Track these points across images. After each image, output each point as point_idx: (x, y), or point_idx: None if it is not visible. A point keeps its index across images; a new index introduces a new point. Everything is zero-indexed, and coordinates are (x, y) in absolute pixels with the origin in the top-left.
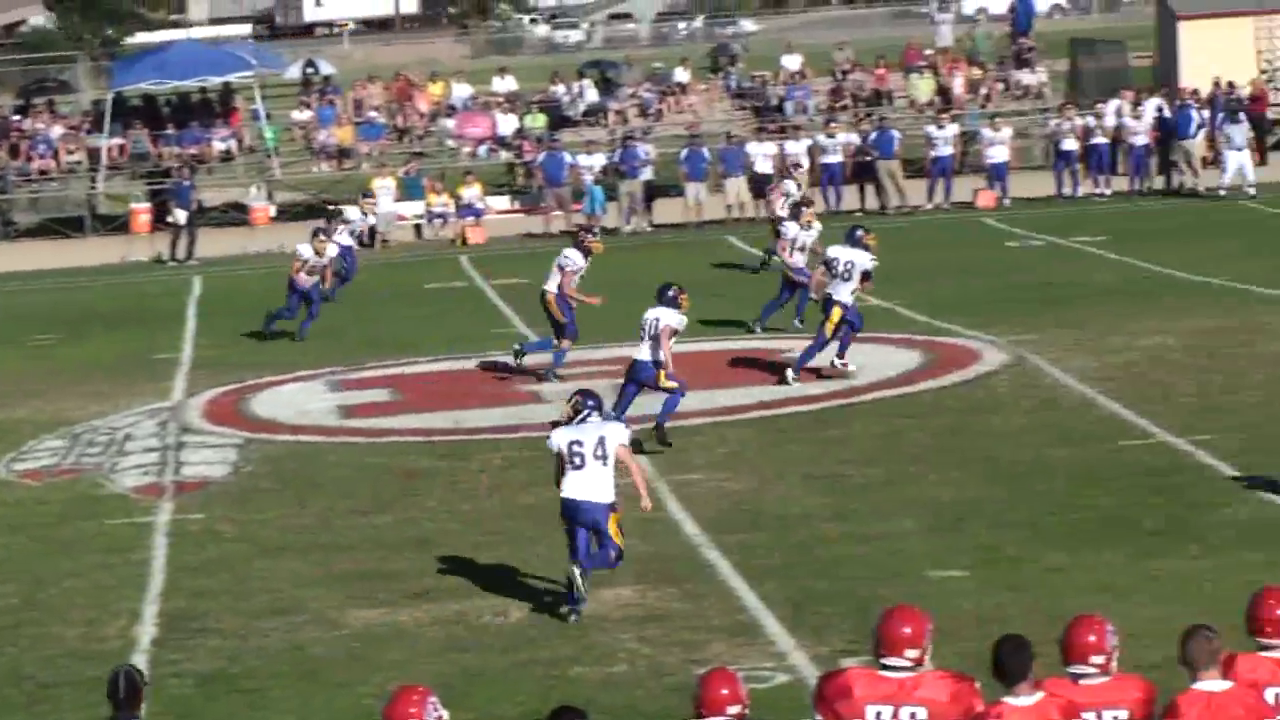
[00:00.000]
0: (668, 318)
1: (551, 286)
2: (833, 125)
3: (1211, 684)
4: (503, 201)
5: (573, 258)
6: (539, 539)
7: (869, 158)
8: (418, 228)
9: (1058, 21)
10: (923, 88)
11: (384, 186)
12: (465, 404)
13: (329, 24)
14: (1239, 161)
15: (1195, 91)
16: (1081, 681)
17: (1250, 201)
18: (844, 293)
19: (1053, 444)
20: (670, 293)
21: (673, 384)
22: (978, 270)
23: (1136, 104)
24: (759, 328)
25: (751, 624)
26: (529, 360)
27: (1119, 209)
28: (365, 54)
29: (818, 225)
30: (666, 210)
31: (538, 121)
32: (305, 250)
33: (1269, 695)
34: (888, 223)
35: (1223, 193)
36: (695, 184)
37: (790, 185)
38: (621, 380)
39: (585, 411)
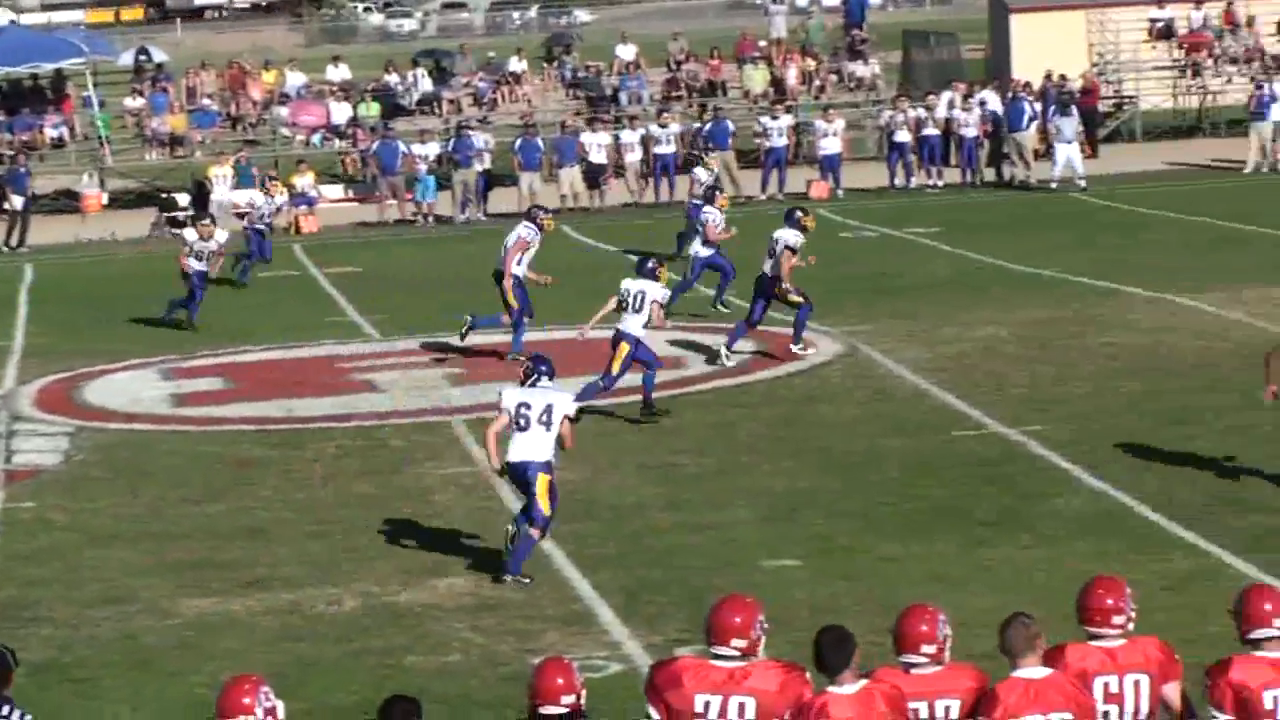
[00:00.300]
0: (653, 291)
1: (512, 268)
2: (665, 116)
3: (1031, 671)
4: (336, 190)
5: (528, 229)
6: (372, 527)
7: (694, 152)
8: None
9: (891, 13)
10: (757, 79)
11: (221, 175)
12: (298, 393)
13: (219, 7)
14: (1069, 154)
15: (1027, 84)
16: (913, 671)
17: (1081, 194)
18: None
19: (886, 434)
20: (649, 265)
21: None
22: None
23: (968, 96)
24: (719, 307)
25: (585, 613)
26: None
27: (951, 201)
28: (198, 41)
29: (724, 211)
30: (501, 200)
31: (371, 110)
32: (190, 235)
33: (1098, 685)
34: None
35: (1054, 185)
36: (529, 174)
37: (701, 172)
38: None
39: (536, 376)
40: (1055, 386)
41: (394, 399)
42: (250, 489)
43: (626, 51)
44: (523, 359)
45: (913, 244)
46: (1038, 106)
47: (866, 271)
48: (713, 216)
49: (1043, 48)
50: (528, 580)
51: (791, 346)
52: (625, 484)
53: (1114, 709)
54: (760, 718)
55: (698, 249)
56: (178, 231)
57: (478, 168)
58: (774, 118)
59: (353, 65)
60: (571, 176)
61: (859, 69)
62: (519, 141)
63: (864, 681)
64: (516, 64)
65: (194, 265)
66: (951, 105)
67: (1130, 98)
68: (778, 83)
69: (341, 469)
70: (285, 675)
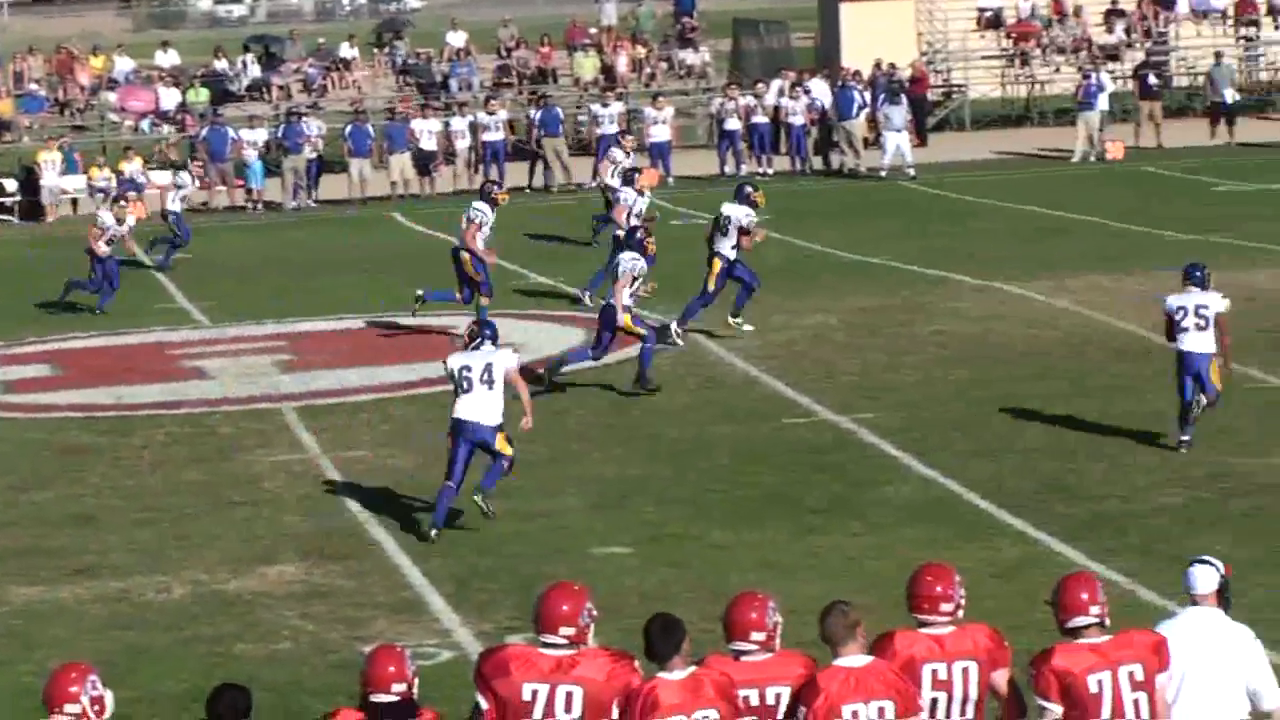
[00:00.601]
0: (627, 262)
1: (471, 244)
2: (493, 103)
3: (852, 660)
4: (164, 176)
5: (482, 210)
6: (202, 515)
7: (524, 143)
8: (75, 202)
9: (721, 1)
10: (587, 66)
11: (50, 160)
12: (127, 380)
13: None
14: (898, 142)
15: (856, 73)
16: (743, 658)
17: (909, 182)
18: (725, 246)
19: (716, 422)
20: (638, 236)
21: (641, 329)
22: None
23: (796, 84)
24: (588, 297)
25: (416, 601)
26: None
27: (781, 189)
28: (25, 26)
29: (649, 194)
30: (331, 187)
31: (200, 96)
32: (106, 218)
33: (926, 672)
34: (553, 201)
35: (883, 174)
36: (359, 160)
37: (618, 154)
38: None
39: (480, 340)
40: (885, 374)
41: (224, 386)
42: (78, 476)
43: (457, 38)
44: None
45: None
46: (867, 95)
47: (697, 259)
48: (627, 197)
49: (872, 36)
50: (494, 512)
51: (731, 320)
52: None
53: (942, 696)
54: (587, 706)
55: (618, 230)
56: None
57: (308, 154)
58: (604, 105)
59: (181, 51)
60: (402, 163)
61: (689, 57)
62: (349, 128)
63: (693, 668)
64: (347, 50)
65: (104, 249)
66: (781, 93)
67: (959, 87)
68: (608, 70)
69: (170, 456)
70: (114, 663)
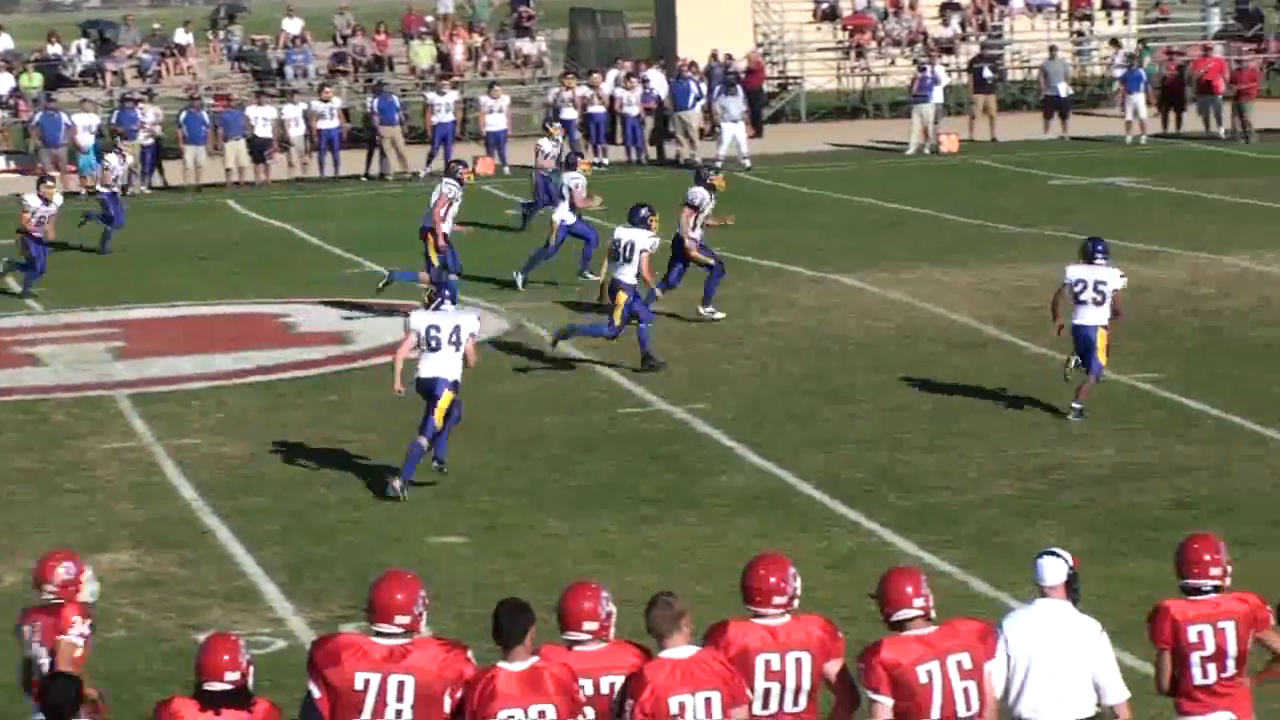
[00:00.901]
0: (641, 240)
1: (441, 225)
2: (327, 90)
3: (678, 651)
4: None
5: (450, 187)
6: (33, 502)
7: (360, 131)
8: None
9: None
10: (423, 54)
11: None
12: None
13: None
14: (734, 133)
15: (693, 63)
16: (576, 648)
17: (745, 173)
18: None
19: (552, 412)
20: (642, 213)
21: (639, 309)
22: (478, 238)
23: (632, 75)
24: (521, 281)
25: (250, 589)
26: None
27: (617, 179)
28: None
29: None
30: (166, 173)
31: (34, 81)
32: (32, 200)
33: (759, 662)
34: (388, 189)
35: (719, 164)
36: (194, 147)
37: (545, 143)
38: None
39: (440, 300)
40: (720, 365)
41: (56, 373)
42: None
43: (293, 25)
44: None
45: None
46: (703, 86)
47: (533, 247)
48: (579, 182)
49: (708, 27)
50: (446, 471)
51: (700, 309)
52: (291, 460)
53: (775, 686)
54: (419, 696)
55: (564, 215)
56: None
57: (143, 140)
58: (440, 93)
59: (15, 35)
60: (237, 150)
61: (526, 46)
62: (184, 114)
63: (535, 660)
64: (182, 36)
65: (39, 231)
66: (617, 83)
67: (795, 78)
68: (444, 58)
69: (1, 443)
70: None
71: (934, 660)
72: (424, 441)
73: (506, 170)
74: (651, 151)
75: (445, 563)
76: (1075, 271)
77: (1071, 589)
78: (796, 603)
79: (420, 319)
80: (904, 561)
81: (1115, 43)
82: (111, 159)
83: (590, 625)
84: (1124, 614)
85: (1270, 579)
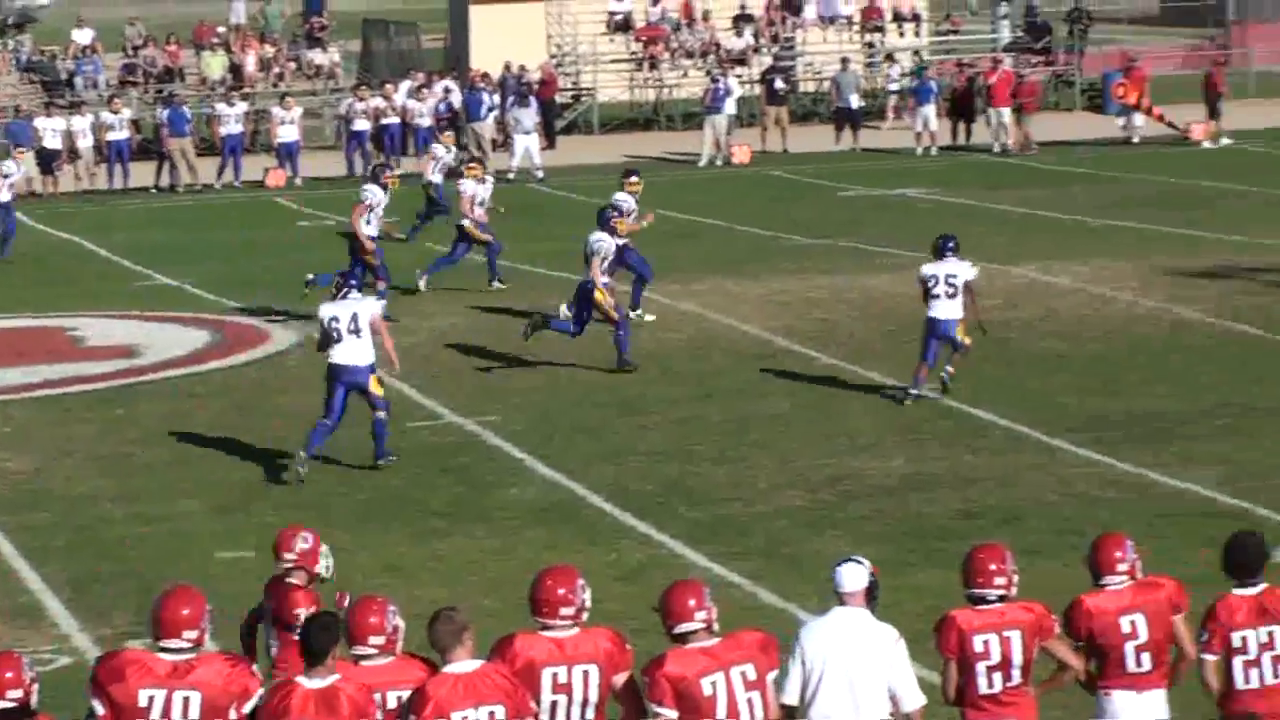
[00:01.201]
0: (605, 244)
1: (363, 228)
2: (117, 101)
3: (461, 665)
4: None
5: (372, 191)
6: None
7: (150, 142)
8: None
9: (350, 1)
10: (215, 65)
11: None
12: None
13: None
14: (527, 145)
15: (485, 75)
16: (363, 663)
17: (538, 185)
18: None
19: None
20: (606, 214)
21: (615, 313)
22: (269, 249)
23: (424, 86)
24: (423, 283)
25: (34, 606)
26: None
27: (409, 190)
28: None
29: (491, 180)
30: None
31: None
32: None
33: (546, 675)
34: (178, 201)
35: (511, 176)
36: None
37: (439, 149)
38: None
39: (345, 289)
40: (510, 376)
41: None
42: None
43: (83, 35)
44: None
45: None
46: (496, 97)
47: (323, 260)
48: (468, 187)
49: (501, 38)
50: (395, 457)
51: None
52: (76, 475)
53: (562, 699)
54: (205, 711)
55: (464, 221)
56: None
57: None
58: (229, 104)
59: None
60: (25, 161)
61: (318, 57)
62: None
63: (335, 678)
64: None
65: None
66: (410, 95)
67: (588, 90)
68: (236, 69)
69: None
70: None
71: (718, 672)
72: (382, 414)
73: (298, 182)
74: None
75: (233, 577)
76: (927, 268)
77: (871, 597)
78: (585, 615)
79: (325, 311)
80: (694, 573)
81: (891, 57)
82: (9, 165)
83: (377, 640)
84: (911, 624)
85: (1056, 588)
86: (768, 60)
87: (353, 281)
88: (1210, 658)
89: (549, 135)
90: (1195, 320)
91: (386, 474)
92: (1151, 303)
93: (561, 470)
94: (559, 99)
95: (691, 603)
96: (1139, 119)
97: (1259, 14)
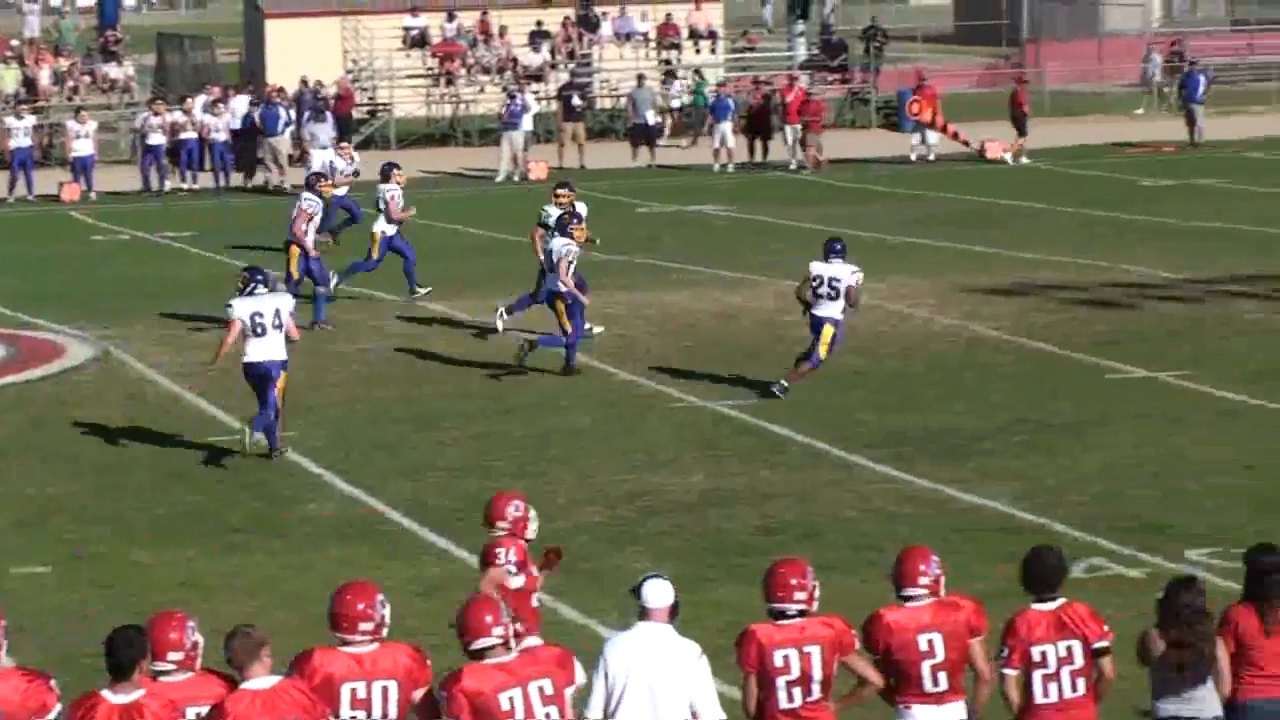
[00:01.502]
0: (564, 249)
1: (302, 237)
2: None
3: (259, 681)
4: None
5: (311, 200)
6: None
7: None
8: None
9: (146, 15)
10: (8, 78)
11: None
12: None
13: None
14: (323, 159)
15: (281, 89)
16: (162, 678)
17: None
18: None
19: (139, 439)
20: (563, 219)
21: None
22: (63, 264)
23: (219, 101)
24: (333, 285)
25: None
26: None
27: (205, 205)
28: None
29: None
30: None
31: None
32: None
33: (345, 691)
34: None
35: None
36: None
37: (339, 161)
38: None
39: (254, 284)
40: (309, 393)
41: None
42: None
43: None
44: (327, 325)
45: (166, 248)
46: (292, 112)
47: (119, 275)
48: (395, 194)
49: (298, 53)
50: (284, 451)
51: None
52: None
53: (361, 715)
54: None
55: (383, 227)
56: None
57: None
58: (19, 117)
59: None
60: None
61: (113, 71)
62: None
63: (140, 693)
64: None
65: None
66: (206, 109)
67: (384, 105)
68: (30, 83)
69: None
70: None
71: (516, 687)
72: (272, 412)
73: (93, 196)
74: (241, 177)
75: (29, 593)
76: (815, 268)
77: (673, 613)
78: (385, 631)
79: (243, 306)
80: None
81: (672, 74)
82: None
83: (175, 655)
84: (711, 639)
85: (854, 603)
86: (565, 77)
87: (259, 276)
88: (1010, 672)
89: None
90: (991, 337)
91: (185, 489)
92: (948, 320)
93: (360, 486)
94: (355, 114)
95: (489, 619)
96: (933, 137)
97: (1052, 33)
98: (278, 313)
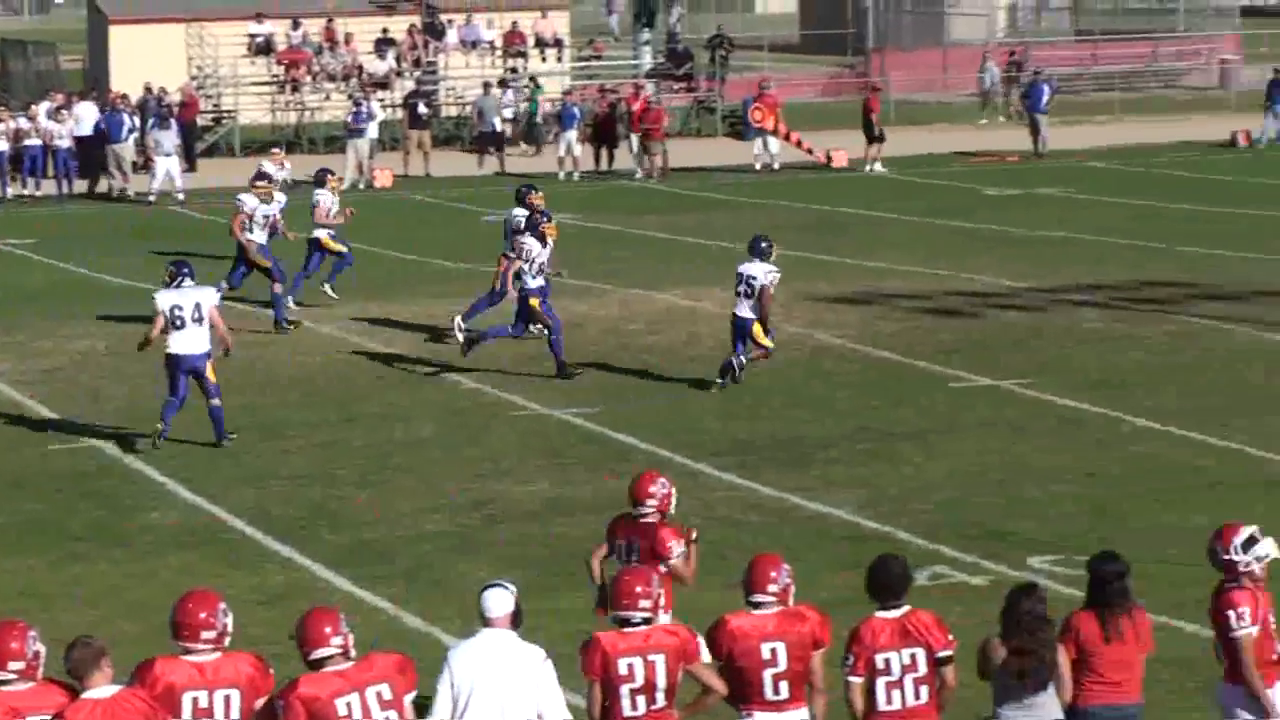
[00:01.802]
0: (534, 249)
1: (242, 236)
2: None
3: (99, 691)
4: None
5: (246, 200)
6: None
7: None
8: None
9: None
10: None
11: None
12: None
13: None
14: (168, 167)
15: (125, 96)
16: (3, 689)
17: (179, 207)
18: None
19: None
20: (530, 220)
21: (548, 318)
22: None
23: (62, 107)
24: (291, 301)
25: None
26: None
27: (48, 212)
28: None
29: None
30: None
31: None
32: None
33: (186, 700)
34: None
35: (152, 198)
36: None
37: (270, 166)
38: None
39: (180, 278)
40: (153, 400)
41: None
42: None
43: None
44: (288, 325)
45: (8, 255)
46: (136, 119)
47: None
48: (324, 199)
49: (142, 60)
50: (234, 435)
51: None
52: None
53: None
54: None
55: (318, 232)
56: None
57: None
58: None
59: None
60: None
61: None
62: None
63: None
64: None
65: None
66: (49, 116)
67: (229, 112)
68: None
69: None
70: None
71: (353, 693)
72: (217, 401)
73: None
74: (86, 184)
75: None
76: (740, 266)
77: (516, 621)
78: (227, 640)
79: (164, 299)
80: (337, 598)
81: (504, 83)
82: None
83: (16, 665)
84: (556, 647)
85: (702, 610)
86: (410, 84)
87: (185, 269)
88: (855, 680)
89: (189, 157)
90: (836, 345)
91: (25, 497)
92: (793, 328)
93: (203, 494)
94: (200, 121)
95: (327, 629)
96: (775, 145)
97: (897, 43)
98: (198, 306)
